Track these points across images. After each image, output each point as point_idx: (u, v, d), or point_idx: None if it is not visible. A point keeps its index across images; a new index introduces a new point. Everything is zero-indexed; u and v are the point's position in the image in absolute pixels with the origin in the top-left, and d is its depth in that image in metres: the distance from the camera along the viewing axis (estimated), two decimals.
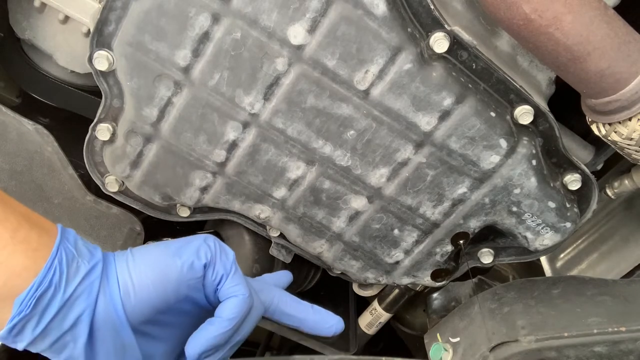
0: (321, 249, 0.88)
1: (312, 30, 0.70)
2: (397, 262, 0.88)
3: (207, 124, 0.76)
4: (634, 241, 1.01)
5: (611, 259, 1.03)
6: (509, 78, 0.73)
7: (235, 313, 0.62)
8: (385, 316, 1.04)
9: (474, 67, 0.72)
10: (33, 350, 0.57)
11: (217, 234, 0.98)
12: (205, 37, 0.71)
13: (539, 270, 1.10)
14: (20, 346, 0.56)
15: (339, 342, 1.05)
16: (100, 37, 0.72)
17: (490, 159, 0.76)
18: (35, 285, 0.54)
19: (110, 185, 0.83)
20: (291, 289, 0.93)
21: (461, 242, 0.84)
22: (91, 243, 0.87)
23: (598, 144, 0.81)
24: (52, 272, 0.55)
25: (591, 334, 0.73)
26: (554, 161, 0.79)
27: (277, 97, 0.74)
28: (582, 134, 0.82)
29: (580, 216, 0.82)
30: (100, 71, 0.74)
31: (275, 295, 0.70)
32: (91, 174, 0.83)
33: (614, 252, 1.03)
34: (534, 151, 0.76)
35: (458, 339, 0.81)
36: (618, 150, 0.73)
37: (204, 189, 0.83)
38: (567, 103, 0.76)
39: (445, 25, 0.69)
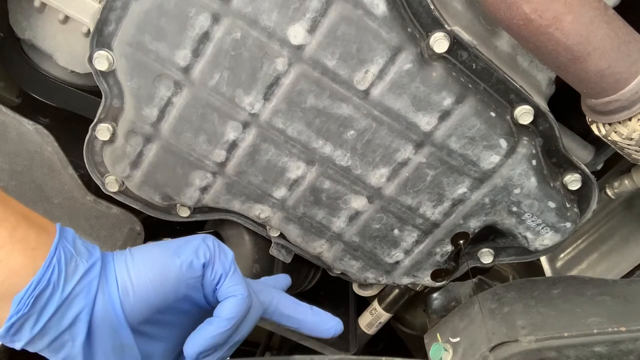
0: (321, 249, 0.88)
1: (312, 30, 0.70)
2: (397, 262, 0.88)
3: (207, 124, 0.76)
4: (634, 241, 1.01)
5: (611, 259, 1.03)
6: (509, 78, 0.73)
7: (234, 313, 0.62)
8: (385, 316, 1.04)
9: (474, 67, 0.72)
10: (31, 349, 0.56)
11: (217, 234, 0.98)
12: (205, 37, 0.71)
13: (539, 270, 1.10)
14: (18, 345, 0.55)
15: (339, 342, 1.05)
16: (100, 37, 0.72)
17: (490, 159, 0.76)
18: (34, 283, 0.54)
19: (110, 185, 0.83)
20: (291, 289, 0.93)
21: (461, 242, 0.84)
22: (91, 243, 0.88)
23: (598, 144, 0.81)
24: (50, 271, 0.55)
25: (591, 334, 0.73)
26: (554, 161, 0.79)
27: (277, 97, 0.74)
28: (582, 134, 0.82)
29: (580, 216, 0.82)
30: (100, 71, 0.74)
31: (275, 296, 0.70)
32: (91, 174, 0.83)
33: (614, 252, 1.03)
34: (534, 151, 0.76)
35: (458, 339, 0.81)
36: (618, 150, 0.73)
37: (204, 189, 0.83)
38: (567, 103, 0.76)
39: (445, 25, 0.69)
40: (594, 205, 0.82)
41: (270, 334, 1.27)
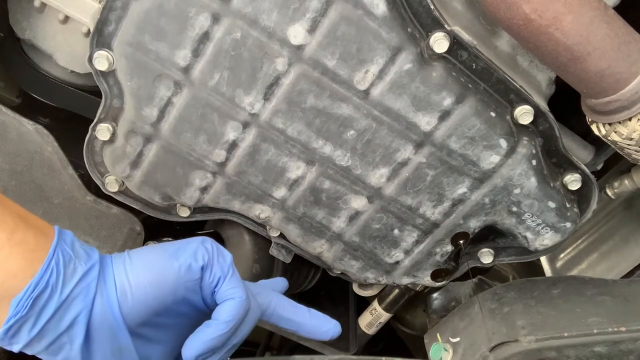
0: (321, 249, 0.88)
1: (312, 30, 0.70)
2: (397, 262, 0.88)
3: (207, 124, 0.76)
4: (634, 241, 1.01)
5: (611, 259, 1.03)
6: (509, 78, 0.73)
7: (232, 315, 0.62)
8: (385, 316, 1.04)
9: (474, 67, 0.72)
10: (29, 352, 0.56)
11: (217, 234, 0.98)
12: (205, 37, 0.71)
13: (539, 270, 1.10)
14: (16, 348, 0.55)
15: (339, 342, 1.05)
16: (100, 37, 0.72)
17: (490, 159, 0.76)
18: (32, 286, 0.54)
19: (110, 185, 0.83)
20: (291, 288, 0.93)
21: (461, 242, 0.84)
22: (91, 243, 0.88)
23: (598, 144, 0.81)
24: (48, 273, 0.55)
25: (591, 334, 0.73)
26: (554, 161, 0.79)
27: (277, 97, 0.74)
28: (582, 134, 0.82)
29: (580, 216, 0.82)
30: (100, 71, 0.74)
31: (273, 298, 0.70)
32: (91, 174, 0.83)
33: (614, 252, 1.03)
34: (534, 151, 0.76)
35: (458, 339, 0.81)
36: (618, 150, 0.73)
37: (204, 189, 0.83)
38: (567, 103, 0.76)
39: (445, 25, 0.69)
40: (594, 205, 0.82)
41: (270, 334, 1.27)
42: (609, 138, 0.70)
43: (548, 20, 0.62)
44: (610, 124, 0.69)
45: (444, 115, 0.74)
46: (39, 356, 0.57)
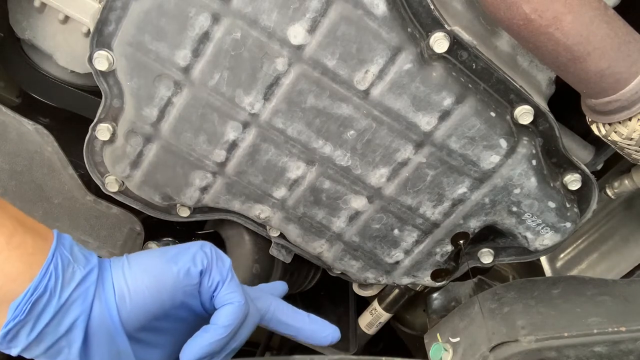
0: (321, 249, 0.88)
1: (312, 30, 0.70)
2: (397, 262, 0.88)
3: (207, 124, 0.76)
4: (634, 241, 1.01)
5: (611, 259, 1.03)
6: (509, 78, 0.73)
7: (230, 320, 0.62)
8: (385, 316, 1.04)
9: (474, 67, 0.72)
10: (27, 355, 0.56)
11: (217, 234, 0.98)
12: (205, 37, 0.71)
13: (539, 270, 1.10)
14: (14, 352, 0.55)
15: (339, 342, 1.05)
16: (100, 37, 0.72)
17: (490, 159, 0.76)
18: (31, 290, 0.54)
19: (110, 185, 0.83)
20: (291, 288, 0.93)
21: (461, 242, 0.84)
22: (91, 243, 0.88)
23: (598, 144, 0.81)
24: (47, 277, 0.55)
25: (591, 334, 0.73)
26: (554, 161, 0.79)
27: (277, 97, 0.74)
28: (582, 134, 0.82)
29: (580, 216, 0.82)
30: (100, 71, 0.74)
31: (272, 303, 0.70)
32: (91, 174, 0.83)
33: (614, 252, 1.03)
34: (534, 151, 0.76)
35: (458, 339, 0.81)
36: (618, 150, 0.73)
37: (204, 189, 0.83)
38: (567, 103, 0.76)
39: (445, 25, 0.69)
40: (594, 205, 0.82)
41: (270, 334, 1.27)
42: (609, 138, 0.70)
43: (548, 20, 0.62)
44: (610, 124, 0.69)
45: (444, 115, 0.74)
46: None
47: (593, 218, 0.90)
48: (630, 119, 0.67)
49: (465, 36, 0.70)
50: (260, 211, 0.84)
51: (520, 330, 0.75)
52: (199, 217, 0.87)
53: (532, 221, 0.81)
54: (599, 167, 0.85)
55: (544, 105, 0.75)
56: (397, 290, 1.01)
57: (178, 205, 0.85)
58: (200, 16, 0.69)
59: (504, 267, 1.15)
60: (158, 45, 0.71)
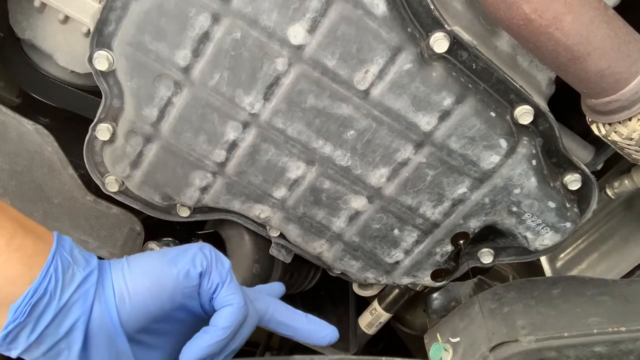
0: (321, 249, 0.88)
1: (312, 30, 0.70)
2: (397, 262, 0.88)
3: (207, 124, 0.76)
4: (634, 241, 1.01)
5: (611, 259, 1.03)
6: (509, 78, 0.73)
7: (230, 322, 0.62)
8: (385, 316, 1.04)
9: (474, 67, 0.72)
10: (27, 357, 0.56)
11: (217, 234, 0.98)
12: (205, 37, 0.71)
13: (539, 270, 1.10)
14: (14, 353, 0.55)
15: (339, 342, 1.05)
16: (100, 37, 0.72)
17: (490, 159, 0.76)
18: (31, 292, 0.54)
19: (110, 185, 0.83)
20: (292, 288, 0.93)
21: (461, 242, 0.84)
22: (91, 243, 0.88)
23: (598, 144, 0.81)
24: (47, 280, 0.55)
25: (591, 334, 0.73)
26: (554, 161, 0.79)
27: (277, 97, 0.74)
28: (582, 134, 0.82)
29: (580, 216, 0.82)
30: (100, 71, 0.74)
31: (271, 304, 0.71)
32: (91, 174, 0.83)
33: (614, 252, 1.03)
34: (534, 151, 0.76)
35: (458, 339, 0.81)
36: (618, 150, 0.73)
37: (204, 189, 0.83)
38: (567, 103, 0.76)
39: (445, 25, 0.69)
40: (594, 205, 0.82)
41: (270, 334, 1.27)
42: (609, 138, 0.70)
43: (548, 20, 0.62)
44: (610, 124, 0.69)
45: (444, 115, 0.74)
46: None
47: (593, 218, 0.90)
48: (630, 119, 0.67)
49: (465, 36, 0.70)
50: (260, 211, 0.84)
51: (520, 330, 0.75)
52: (199, 217, 0.87)
53: (532, 221, 0.81)
54: (599, 167, 0.85)
55: (544, 105, 0.75)
56: (397, 290, 1.01)
57: (178, 205, 0.85)
58: (200, 16, 0.69)
59: (504, 267, 1.15)
60: (158, 45, 0.71)
